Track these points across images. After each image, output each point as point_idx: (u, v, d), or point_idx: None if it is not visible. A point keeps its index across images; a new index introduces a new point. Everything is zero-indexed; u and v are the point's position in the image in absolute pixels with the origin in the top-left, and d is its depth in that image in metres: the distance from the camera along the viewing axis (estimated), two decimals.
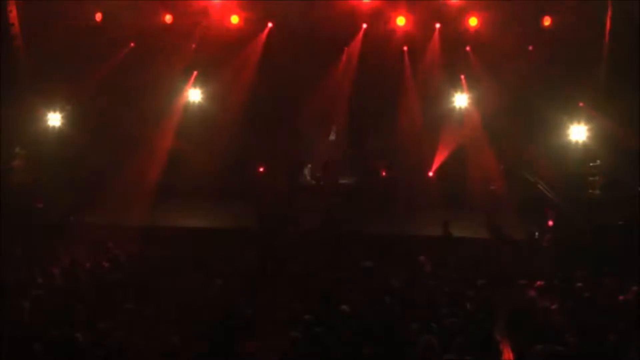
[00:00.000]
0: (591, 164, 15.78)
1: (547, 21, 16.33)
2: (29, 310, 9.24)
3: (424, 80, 17.47)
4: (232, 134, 17.72)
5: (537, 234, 14.31)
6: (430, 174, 17.97)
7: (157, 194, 17.11)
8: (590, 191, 15.70)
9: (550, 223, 15.15)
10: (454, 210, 15.84)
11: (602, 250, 13.08)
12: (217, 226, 15.43)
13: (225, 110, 17.54)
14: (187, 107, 17.97)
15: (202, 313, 9.52)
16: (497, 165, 17.10)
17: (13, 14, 15.52)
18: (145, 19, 16.87)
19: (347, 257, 12.50)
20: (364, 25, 17.29)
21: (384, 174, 18.35)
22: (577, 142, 16.00)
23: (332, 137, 18.93)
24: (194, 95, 17.92)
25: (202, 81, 17.85)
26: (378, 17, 17.08)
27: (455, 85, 17.63)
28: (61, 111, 16.54)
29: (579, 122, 15.98)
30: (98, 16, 16.70)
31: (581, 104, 16.11)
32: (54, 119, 16.45)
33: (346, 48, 17.62)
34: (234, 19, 17.17)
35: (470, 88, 17.53)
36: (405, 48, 17.53)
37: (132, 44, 17.38)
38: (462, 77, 17.59)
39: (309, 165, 18.72)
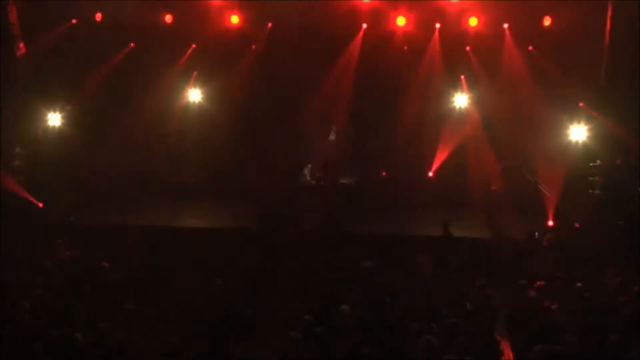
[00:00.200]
0: (591, 164, 15.80)
1: (547, 21, 16.33)
2: (29, 310, 9.23)
3: (424, 80, 17.43)
4: (232, 134, 17.76)
5: (537, 234, 14.29)
6: (430, 174, 17.94)
7: (157, 194, 17.19)
8: (590, 191, 15.72)
9: (550, 223, 15.17)
10: (454, 210, 15.79)
11: (602, 250, 13.08)
12: (217, 226, 15.40)
13: (225, 110, 17.52)
14: (187, 107, 17.98)
15: (202, 313, 9.51)
16: (497, 165, 17.11)
17: (13, 14, 15.50)
18: (145, 19, 16.85)
19: (347, 257, 12.47)
20: (364, 25, 17.27)
21: (384, 174, 18.36)
22: (577, 142, 16.01)
23: (332, 137, 18.92)
24: (194, 95, 17.92)
25: (202, 81, 17.85)
26: (378, 17, 17.06)
27: (455, 85, 17.62)
28: (61, 111, 16.53)
29: (579, 122, 15.99)
30: (98, 16, 16.70)
31: (581, 104, 16.11)
32: (54, 119, 16.43)
33: (346, 48, 17.61)
34: (234, 19, 17.15)
35: (470, 88, 17.53)
36: (405, 48, 17.50)
37: (132, 44, 17.39)
38: (462, 77, 17.58)
39: (309, 165, 18.72)
